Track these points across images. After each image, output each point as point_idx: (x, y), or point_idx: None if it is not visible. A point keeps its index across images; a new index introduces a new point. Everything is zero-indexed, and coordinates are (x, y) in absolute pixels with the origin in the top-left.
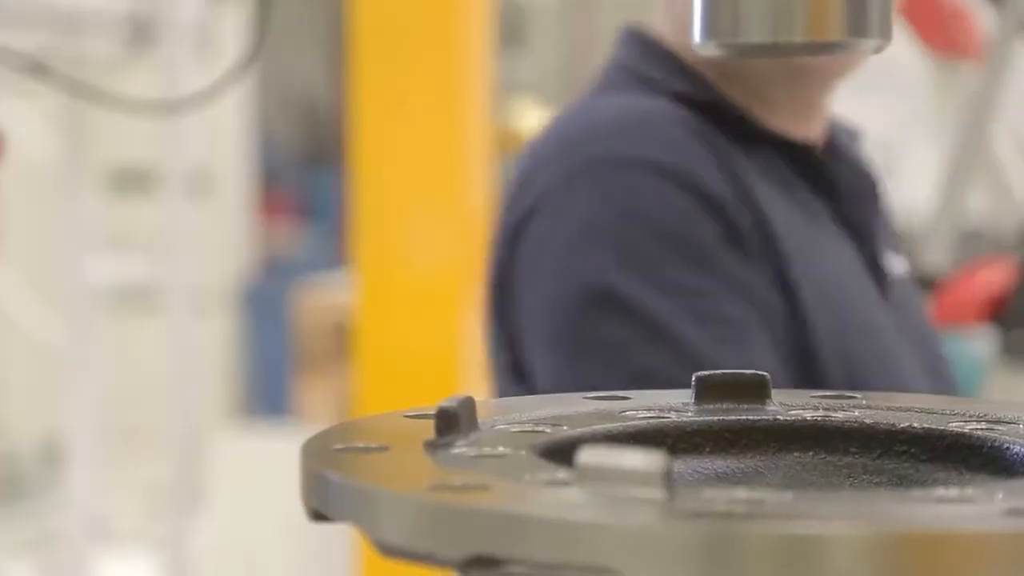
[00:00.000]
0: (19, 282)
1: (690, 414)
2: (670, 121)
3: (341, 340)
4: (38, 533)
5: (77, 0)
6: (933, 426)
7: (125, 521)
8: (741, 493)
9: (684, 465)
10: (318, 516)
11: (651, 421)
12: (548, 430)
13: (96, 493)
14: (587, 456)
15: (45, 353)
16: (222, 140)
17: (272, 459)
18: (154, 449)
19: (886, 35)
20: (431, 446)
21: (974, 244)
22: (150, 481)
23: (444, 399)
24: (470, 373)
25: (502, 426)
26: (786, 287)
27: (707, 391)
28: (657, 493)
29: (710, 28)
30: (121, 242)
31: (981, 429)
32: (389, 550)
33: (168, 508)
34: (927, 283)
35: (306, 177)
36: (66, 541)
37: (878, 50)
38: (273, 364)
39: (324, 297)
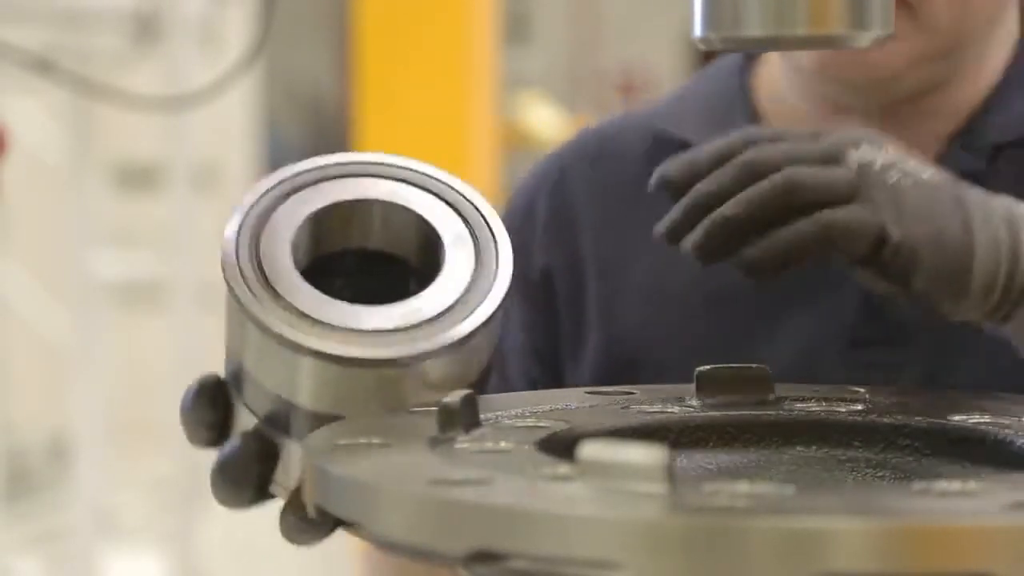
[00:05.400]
0: (26, 278)
1: (693, 409)
2: (571, 149)
3: None
4: (45, 528)
5: None
6: (936, 420)
7: (132, 516)
8: (743, 487)
9: (687, 459)
10: (321, 512)
11: (654, 416)
12: (550, 425)
13: (103, 488)
14: (589, 451)
15: (52, 349)
16: (228, 135)
17: None
18: (161, 444)
19: (887, 27)
20: (433, 442)
21: None
22: (157, 476)
23: (446, 395)
24: None
25: (505, 421)
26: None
27: (710, 385)
28: (659, 487)
29: (711, 21)
30: (127, 238)
31: (985, 423)
32: (391, 545)
33: (175, 504)
34: None
35: None
36: (73, 536)
37: (878, 42)
38: None
39: None
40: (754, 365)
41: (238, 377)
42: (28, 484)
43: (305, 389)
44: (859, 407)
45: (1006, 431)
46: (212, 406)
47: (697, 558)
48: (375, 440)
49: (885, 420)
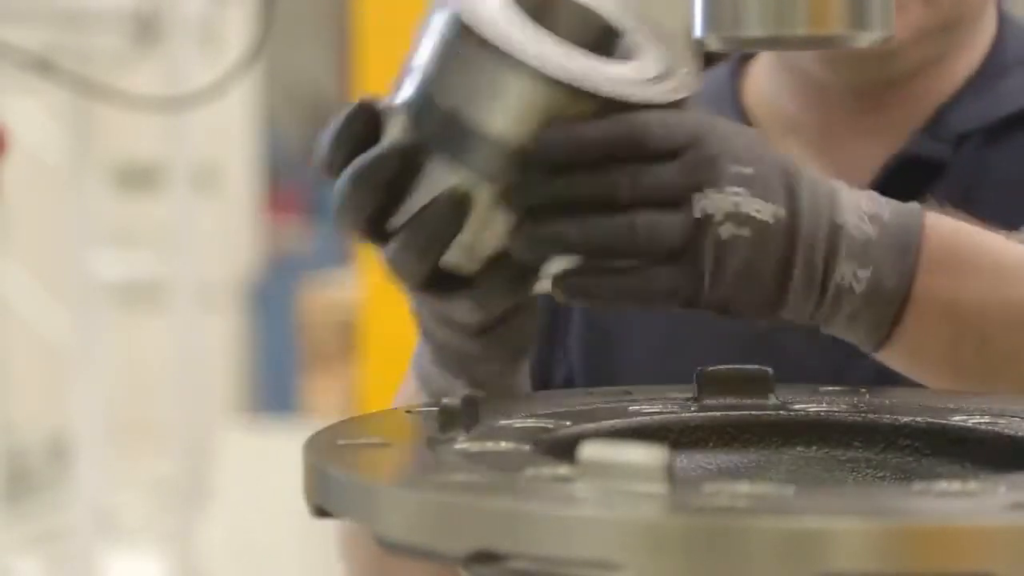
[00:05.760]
0: (26, 278)
1: (693, 409)
2: None
3: (347, 337)
4: (45, 528)
5: None
6: (936, 420)
7: (132, 516)
8: (744, 487)
9: (687, 460)
10: (321, 512)
11: (654, 416)
12: (550, 426)
13: (103, 489)
14: (589, 451)
15: (52, 349)
16: (228, 136)
17: (278, 455)
18: (161, 445)
19: (887, 28)
20: (434, 442)
21: None
22: (157, 477)
23: (447, 395)
24: None
25: (504, 422)
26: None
27: (710, 385)
28: (659, 488)
29: (711, 21)
30: (128, 238)
31: (984, 423)
32: (391, 546)
33: (175, 504)
34: None
35: (312, 173)
36: (73, 536)
37: (879, 43)
38: (279, 361)
39: (331, 294)
40: (754, 366)
41: (415, 102)
42: (28, 484)
43: (506, 116)
44: (859, 406)
45: (1006, 431)
46: (365, 127)
47: (697, 558)
48: (375, 440)
49: (885, 420)
